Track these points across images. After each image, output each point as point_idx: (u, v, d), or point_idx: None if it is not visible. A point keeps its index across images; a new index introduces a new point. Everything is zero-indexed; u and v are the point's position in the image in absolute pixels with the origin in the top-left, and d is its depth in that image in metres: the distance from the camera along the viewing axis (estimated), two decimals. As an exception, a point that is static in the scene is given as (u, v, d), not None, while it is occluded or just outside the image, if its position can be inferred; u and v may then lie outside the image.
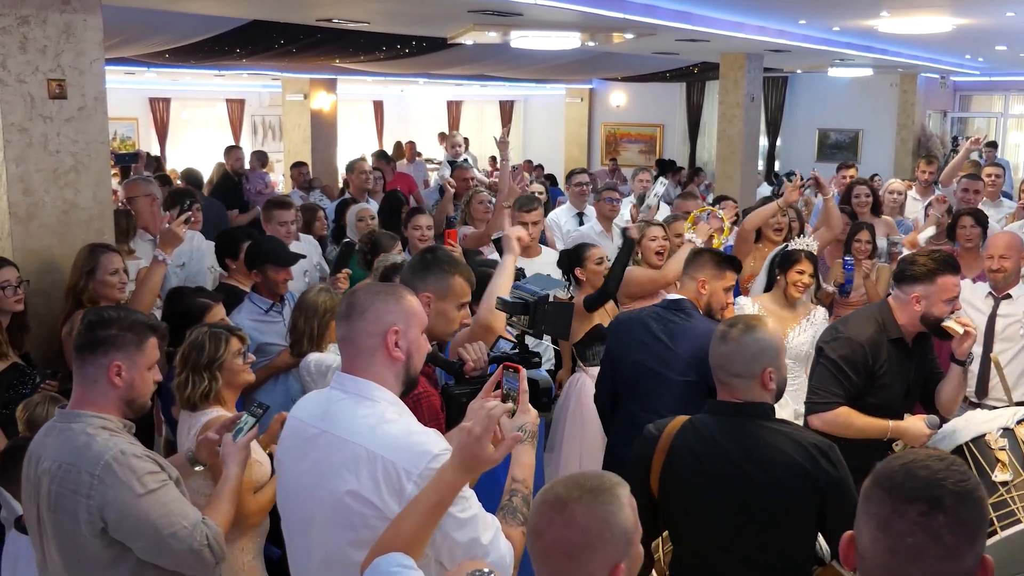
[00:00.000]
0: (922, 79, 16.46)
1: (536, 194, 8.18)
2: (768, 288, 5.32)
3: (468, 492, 2.29)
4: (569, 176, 8.51)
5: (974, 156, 15.32)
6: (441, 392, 2.91)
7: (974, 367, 4.79)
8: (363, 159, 9.51)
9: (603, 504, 1.85)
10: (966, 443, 3.46)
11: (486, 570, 1.92)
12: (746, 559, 2.82)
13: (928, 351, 3.95)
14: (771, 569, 2.84)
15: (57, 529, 2.63)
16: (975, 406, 4.82)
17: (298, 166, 10.99)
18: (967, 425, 3.56)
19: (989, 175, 7.76)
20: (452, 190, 7.71)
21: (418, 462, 2.24)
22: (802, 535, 2.85)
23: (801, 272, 4.91)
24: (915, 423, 3.68)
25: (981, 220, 6.11)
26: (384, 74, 15.23)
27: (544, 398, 2.60)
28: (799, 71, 16.70)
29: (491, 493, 2.50)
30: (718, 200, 7.71)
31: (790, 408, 4.64)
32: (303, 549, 2.44)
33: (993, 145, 15.39)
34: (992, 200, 7.57)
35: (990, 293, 4.92)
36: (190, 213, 5.23)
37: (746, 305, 5.02)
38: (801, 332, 4.77)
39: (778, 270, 5.04)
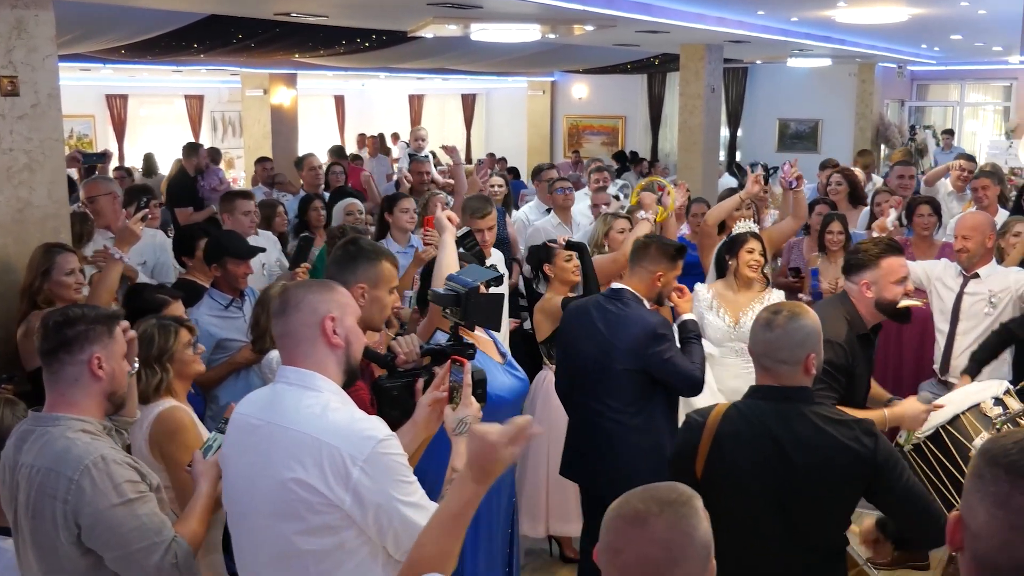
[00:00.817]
0: (880, 69, 16.64)
1: (495, 186, 8.21)
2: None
3: (412, 477, 2.33)
4: (537, 171, 8.50)
5: (930, 144, 15.57)
6: (372, 386, 2.91)
7: (940, 342, 4.90)
8: (312, 155, 9.44)
9: (684, 517, 1.81)
10: (962, 412, 3.66)
11: None
12: (786, 542, 2.86)
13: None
14: (811, 551, 2.89)
15: (35, 535, 2.59)
16: (942, 382, 4.95)
17: (261, 161, 10.90)
18: (961, 398, 3.77)
19: (962, 168, 7.81)
20: (408, 184, 7.70)
21: (363, 447, 2.26)
22: (843, 517, 2.91)
23: (751, 251, 4.94)
24: (911, 404, 3.71)
25: (937, 208, 6.24)
26: (345, 68, 15.15)
27: (479, 389, 2.63)
28: (759, 62, 16.81)
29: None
30: (697, 201, 7.72)
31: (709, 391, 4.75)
32: (251, 544, 2.43)
33: (950, 133, 15.58)
34: (959, 192, 7.66)
35: (961, 272, 5.00)
36: (147, 210, 5.17)
37: (700, 291, 5.05)
38: (753, 315, 4.79)
39: (728, 255, 5.07)
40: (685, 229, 6.77)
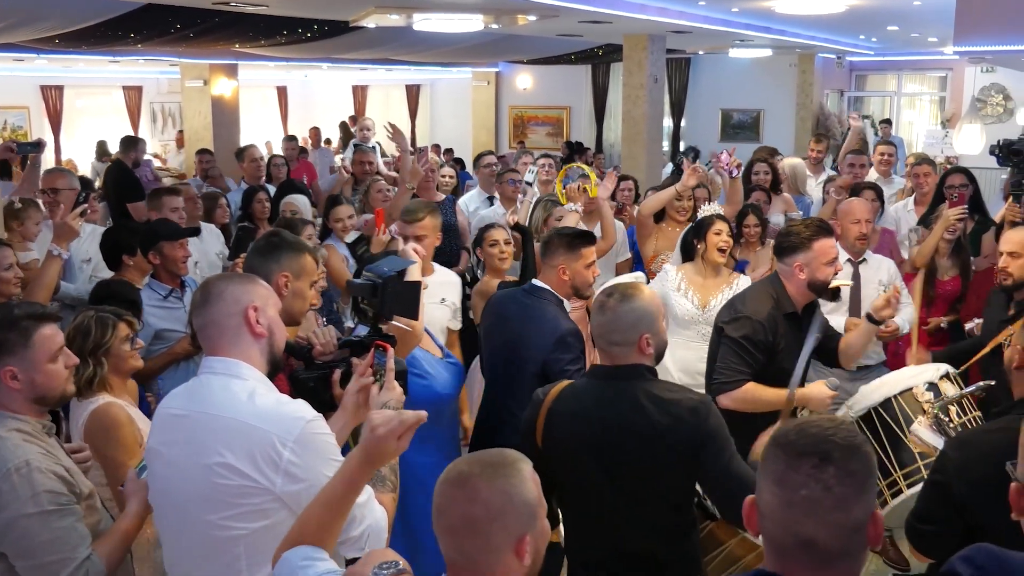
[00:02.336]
0: (819, 59, 16.87)
1: (445, 176, 8.19)
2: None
3: (341, 457, 2.34)
4: (477, 159, 8.49)
5: (869, 134, 15.83)
6: (288, 377, 2.90)
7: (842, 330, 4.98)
8: (253, 146, 9.32)
9: (504, 477, 1.87)
10: (894, 395, 3.72)
11: (397, 562, 1.91)
12: (626, 517, 2.90)
13: (817, 317, 4.08)
14: (651, 527, 2.92)
15: None
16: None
17: (201, 153, 10.74)
18: (895, 380, 3.81)
19: (883, 153, 7.98)
20: (347, 174, 7.65)
21: (292, 428, 2.28)
22: (673, 492, 2.92)
23: (718, 232, 4.95)
24: (818, 387, 3.80)
25: (880, 195, 6.30)
26: (286, 59, 14.98)
27: (399, 381, 2.63)
28: (701, 52, 16.96)
29: None
30: (623, 179, 7.80)
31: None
32: (180, 534, 2.42)
33: (887, 122, 15.83)
34: (884, 177, 7.79)
35: (848, 260, 5.02)
36: (86, 205, 5.05)
37: (669, 271, 5.07)
38: (722, 300, 4.81)
39: (695, 239, 5.08)
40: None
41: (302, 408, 2.35)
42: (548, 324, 3.83)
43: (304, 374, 2.83)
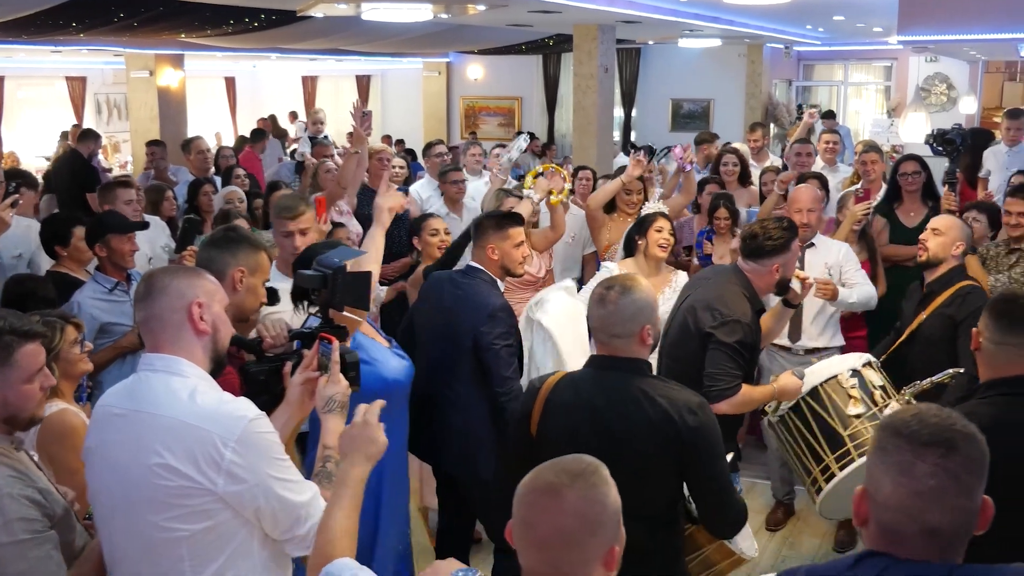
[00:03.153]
0: (768, 49, 17.04)
1: (397, 167, 8.14)
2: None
3: (285, 455, 2.33)
4: (427, 148, 8.47)
5: (817, 125, 16.05)
6: (239, 371, 2.88)
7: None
8: (200, 138, 9.20)
9: (595, 487, 1.84)
10: (820, 384, 3.84)
11: (475, 568, 1.89)
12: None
13: None
14: (638, 520, 2.91)
15: None
16: (787, 349, 5.14)
17: (151, 145, 10.56)
18: (820, 369, 3.94)
19: (827, 141, 8.08)
20: (314, 167, 7.59)
21: (234, 428, 2.25)
22: (663, 487, 2.94)
23: (659, 230, 5.00)
24: (789, 378, 3.85)
25: (825, 184, 6.39)
26: (234, 49, 14.79)
27: (352, 372, 2.62)
28: (651, 42, 17.04)
29: None
30: (579, 170, 7.82)
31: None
32: (122, 537, 2.36)
33: (830, 114, 16.21)
34: (830, 166, 7.89)
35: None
36: (17, 196, 4.93)
37: (612, 268, 5.10)
38: (665, 301, 4.84)
39: (637, 235, 5.12)
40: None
41: (244, 407, 2.32)
42: (480, 300, 3.99)
43: (255, 367, 2.79)
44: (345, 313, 2.97)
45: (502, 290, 4.16)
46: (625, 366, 2.93)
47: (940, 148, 5.85)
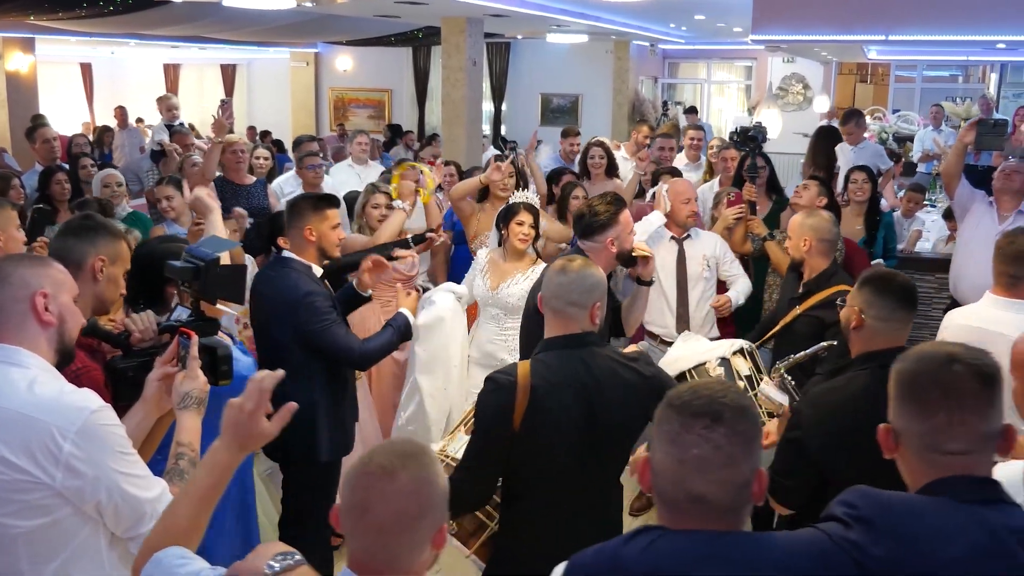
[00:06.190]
0: (634, 47, 17.38)
1: (261, 159, 7.98)
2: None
3: (132, 449, 2.26)
4: (297, 143, 8.33)
5: (682, 119, 16.47)
6: (105, 367, 2.78)
7: (672, 305, 5.19)
8: (46, 126, 8.80)
9: (426, 467, 1.81)
10: (688, 370, 3.95)
11: (293, 552, 1.81)
12: (595, 478, 2.98)
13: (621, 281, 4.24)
14: (610, 484, 3.06)
15: None
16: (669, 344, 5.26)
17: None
18: (690, 354, 4.05)
19: (692, 137, 8.31)
20: (177, 156, 7.38)
21: (74, 419, 2.17)
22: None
23: (520, 223, 4.99)
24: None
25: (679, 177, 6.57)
26: (89, 34, 14.22)
27: (223, 366, 2.56)
28: (520, 37, 17.16)
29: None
30: (446, 164, 7.83)
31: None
32: None
33: (693, 110, 16.71)
34: (693, 161, 8.12)
35: (672, 237, 5.23)
36: None
37: (481, 255, 5.11)
38: (513, 284, 4.88)
39: (501, 224, 5.14)
40: None
41: (87, 398, 2.23)
42: (289, 293, 3.94)
43: (123, 363, 2.70)
44: (219, 306, 2.88)
45: (319, 275, 4.09)
46: (584, 340, 2.99)
47: (743, 144, 6.12)
